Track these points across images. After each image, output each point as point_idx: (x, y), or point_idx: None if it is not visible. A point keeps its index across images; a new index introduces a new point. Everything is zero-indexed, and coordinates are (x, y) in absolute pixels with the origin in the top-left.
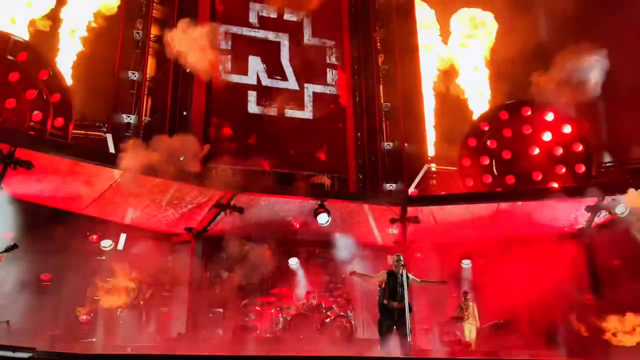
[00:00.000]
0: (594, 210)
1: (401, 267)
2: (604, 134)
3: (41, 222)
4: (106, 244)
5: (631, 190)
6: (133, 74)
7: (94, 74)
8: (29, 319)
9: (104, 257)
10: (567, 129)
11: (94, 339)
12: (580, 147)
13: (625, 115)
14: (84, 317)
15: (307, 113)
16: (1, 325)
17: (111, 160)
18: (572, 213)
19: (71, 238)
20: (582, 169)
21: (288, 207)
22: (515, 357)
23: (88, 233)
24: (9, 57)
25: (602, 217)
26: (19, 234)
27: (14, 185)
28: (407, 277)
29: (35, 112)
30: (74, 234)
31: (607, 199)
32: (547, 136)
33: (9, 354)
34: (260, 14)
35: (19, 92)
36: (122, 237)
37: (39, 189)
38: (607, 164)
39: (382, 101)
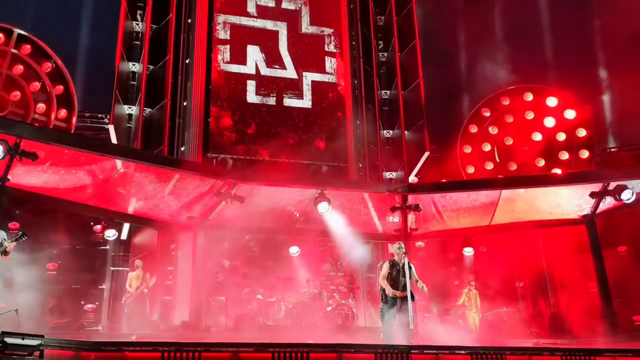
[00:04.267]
0: (598, 196)
1: (403, 256)
2: (608, 118)
3: (46, 212)
4: (110, 233)
5: None
6: (134, 65)
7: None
8: (36, 308)
9: (108, 247)
10: (570, 114)
11: (99, 327)
12: (584, 133)
13: (632, 98)
14: (89, 305)
15: (306, 102)
16: (10, 313)
17: (114, 151)
18: (576, 199)
19: (76, 228)
20: (585, 154)
21: (288, 196)
22: (519, 345)
23: (92, 223)
24: (13, 50)
25: (607, 203)
26: (24, 223)
27: (19, 176)
28: (410, 266)
29: (39, 104)
30: (79, 224)
31: (613, 185)
32: (549, 122)
33: (19, 340)
34: (258, 3)
35: (22, 85)
36: (126, 226)
37: (43, 180)
38: (612, 149)
39: (381, 89)
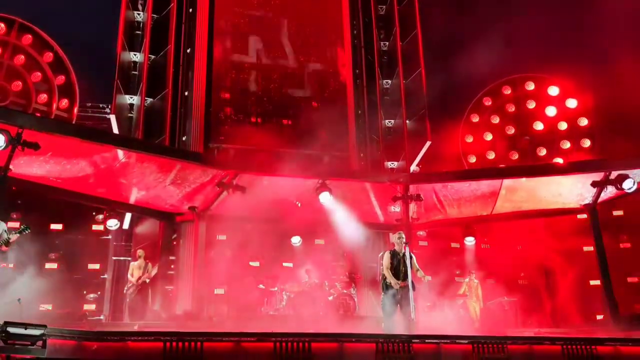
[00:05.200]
0: (600, 185)
1: (404, 245)
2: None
3: (48, 202)
4: (112, 223)
5: None
6: (135, 54)
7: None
8: (38, 297)
9: (109, 237)
10: (571, 103)
11: (101, 317)
12: (586, 122)
13: (634, 86)
14: (91, 295)
15: (307, 91)
16: (13, 302)
17: (116, 141)
18: (578, 189)
19: (78, 218)
20: (587, 143)
21: (290, 186)
22: (520, 334)
23: (94, 213)
24: (14, 41)
25: (608, 192)
26: (26, 213)
27: (21, 166)
28: (410, 256)
29: (41, 95)
30: (81, 213)
31: (614, 174)
32: (551, 111)
33: (22, 330)
34: None
35: (24, 75)
36: (128, 216)
37: (45, 170)
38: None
39: (382, 78)
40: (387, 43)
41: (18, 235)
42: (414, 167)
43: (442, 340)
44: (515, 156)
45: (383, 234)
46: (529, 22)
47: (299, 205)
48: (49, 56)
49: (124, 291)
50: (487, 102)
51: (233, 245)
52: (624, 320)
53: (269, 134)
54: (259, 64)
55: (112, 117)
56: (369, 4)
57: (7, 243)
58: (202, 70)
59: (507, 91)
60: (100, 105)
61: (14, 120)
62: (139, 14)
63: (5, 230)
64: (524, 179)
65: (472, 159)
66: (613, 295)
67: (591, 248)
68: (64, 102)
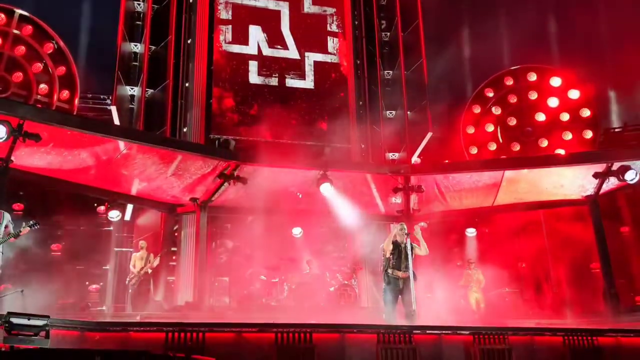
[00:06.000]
0: (602, 176)
1: (405, 236)
2: (613, 98)
3: (50, 193)
4: (114, 214)
5: None
6: (135, 45)
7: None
8: (40, 288)
9: (111, 228)
10: (574, 94)
11: (103, 308)
12: (588, 113)
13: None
14: (94, 286)
15: (308, 82)
16: (15, 293)
17: (117, 132)
18: (580, 180)
19: (79, 209)
20: (589, 134)
21: (291, 177)
22: (522, 325)
23: (96, 204)
24: (15, 31)
25: (610, 183)
26: (28, 205)
27: (23, 157)
28: (412, 247)
29: (42, 86)
30: (82, 205)
31: (616, 165)
32: (553, 102)
33: (25, 321)
34: None
35: (25, 66)
36: (129, 207)
37: (47, 161)
38: (616, 129)
39: (384, 69)
40: (389, 33)
41: (28, 228)
42: (415, 158)
43: (443, 331)
44: (516, 147)
45: (384, 225)
46: (531, 12)
47: (300, 196)
48: (49, 47)
49: (126, 282)
50: (489, 93)
51: (234, 236)
52: (625, 312)
53: (269, 125)
54: (259, 54)
55: (113, 109)
56: None
57: (17, 235)
58: (203, 61)
59: (509, 82)
60: (101, 97)
61: (15, 111)
62: (139, 4)
63: (10, 221)
64: (525, 170)
65: (474, 150)
66: (615, 286)
67: (592, 239)
68: (65, 94)
